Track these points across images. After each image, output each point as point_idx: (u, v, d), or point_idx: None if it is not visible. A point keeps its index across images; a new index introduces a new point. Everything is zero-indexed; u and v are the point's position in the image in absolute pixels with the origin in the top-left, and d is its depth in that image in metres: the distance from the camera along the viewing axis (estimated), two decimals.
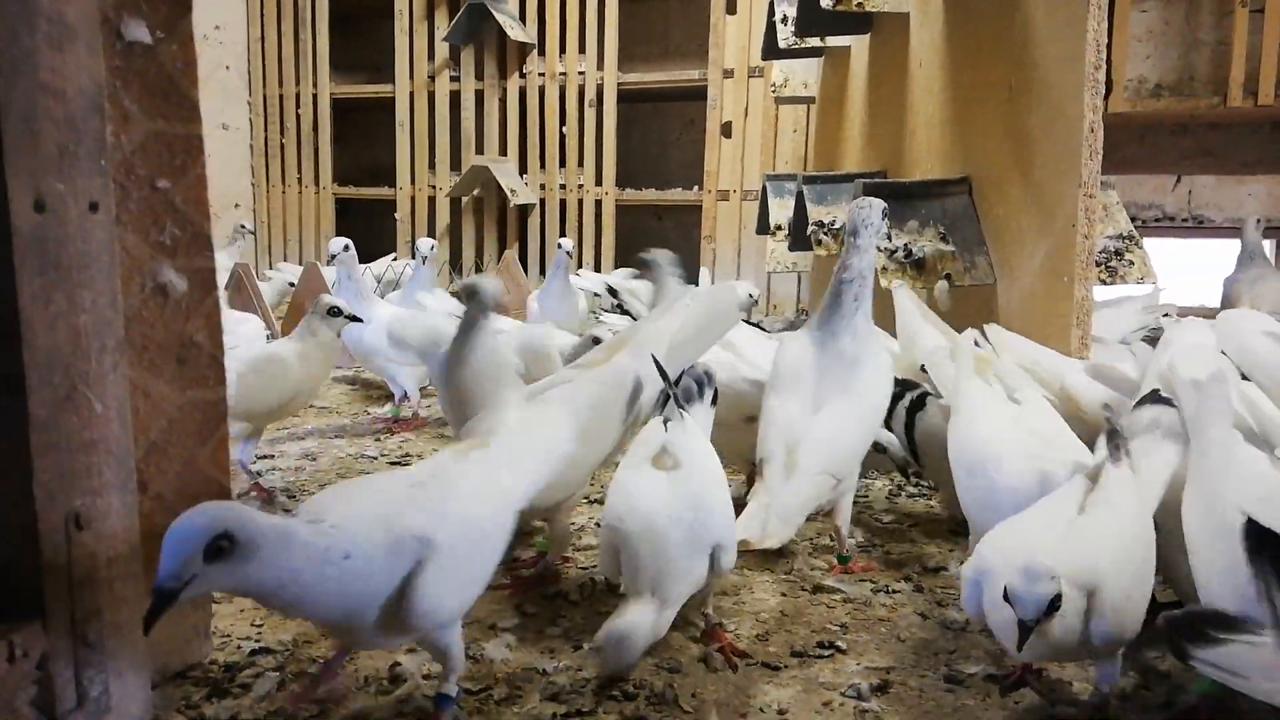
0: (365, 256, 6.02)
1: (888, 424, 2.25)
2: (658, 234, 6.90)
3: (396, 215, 6.70)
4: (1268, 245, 5.61)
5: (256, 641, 1.52)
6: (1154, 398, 1.66)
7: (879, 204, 1.92)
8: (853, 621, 1.66)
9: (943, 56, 3.19)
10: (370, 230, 7.09)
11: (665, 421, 1.56)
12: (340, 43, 7.00)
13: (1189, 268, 5.80)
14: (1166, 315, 3.48)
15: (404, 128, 6.72)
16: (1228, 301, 4.56)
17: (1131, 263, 2.75)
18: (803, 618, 1.68)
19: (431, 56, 6.65)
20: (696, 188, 6.24)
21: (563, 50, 6.32)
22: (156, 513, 1.38)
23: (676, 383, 1.65)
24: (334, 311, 2.46)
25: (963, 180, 3.01)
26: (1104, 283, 2.72)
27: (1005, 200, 2.76)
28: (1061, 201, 2.41)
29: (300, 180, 7.11)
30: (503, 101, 6.51)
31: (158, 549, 1.36)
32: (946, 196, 3.01)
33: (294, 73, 7.02)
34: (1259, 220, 4.80)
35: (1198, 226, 5.62)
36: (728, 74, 5.95)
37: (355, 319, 2.56)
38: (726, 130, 6.02)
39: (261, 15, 7.01)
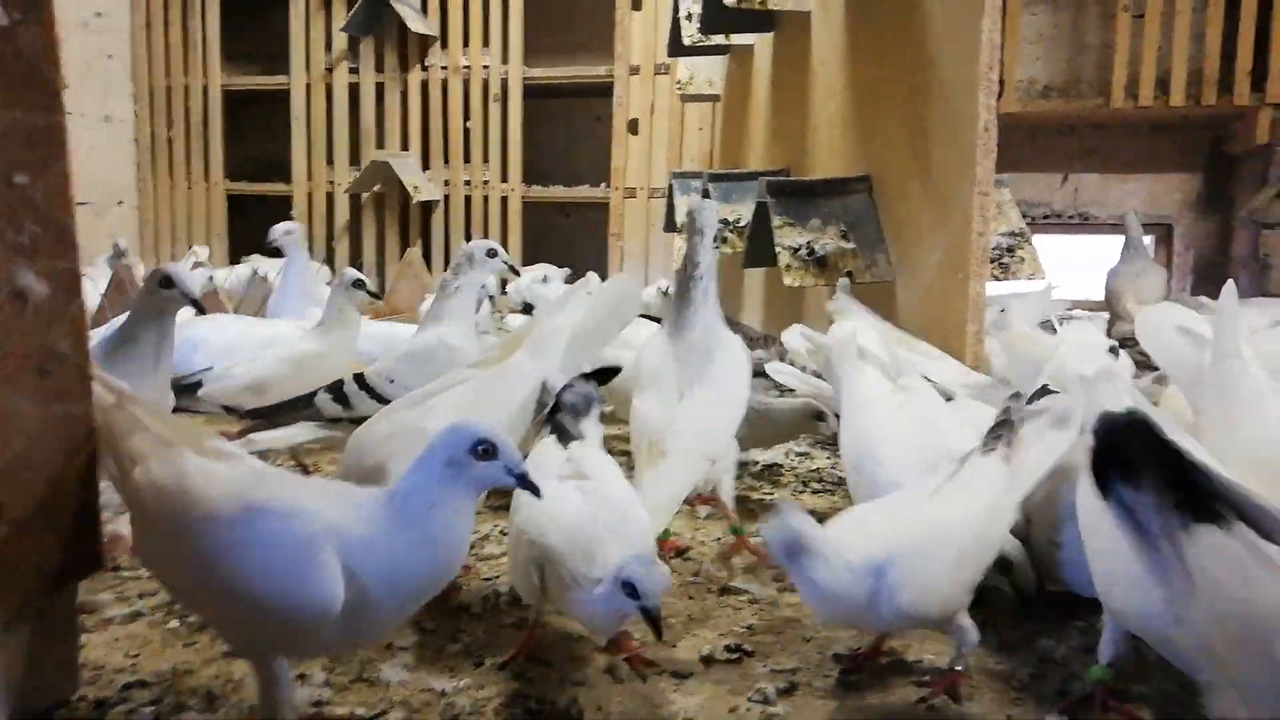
0: (261, 254, 5.81)
1: None
2: (565, 232, 6.84)
3: (293, 213, 6.46)
4: (1148, 239, 5.89)
5: (131, 674, 1.42)
6: (1044, 392, 1.71)
7: (712, 203, 2.09)
8: (760, 623, 1.66)
9: (843, 55, 3.23)
10: (267, 228, 6.82)
11: (562, 438, 1.53)
12: (232, 32, 6.71)
13: (1076, 263, 6.04)
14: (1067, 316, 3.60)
15: (300, 121, 6.49)
16: (1112, 294, 4.75)
17: (1023, 259, 2.83)
18: (710, 621, 1.66)
19: (329, 47, 6.44)
20: (604, 185, 6.21)
21: (466, 43, 6.20)
22: (14, 539, 1.27)
23: (559, 403, 1.61)
24: (359, 284, 2.51)
25: (864, 178, 3.05)
26: (997, 279, 2.80)
27: (904, 198, 2.81)
28: (957, 199, 2.46)
29: (189, 176, 6.80)
30: (404, 95, 6.35)
31: (15, 579, 1.26)
32: (848, 194, 3.05)
33: (182, 63, 6.70)
34: (1137, 213, 5.01)
35: (1084, 223, 5.86)
36: (634, 70, 5.93)
37: (376, 295, 2.56)
38: (633, 127, 6.00)
39: (147, 2, 6.67)
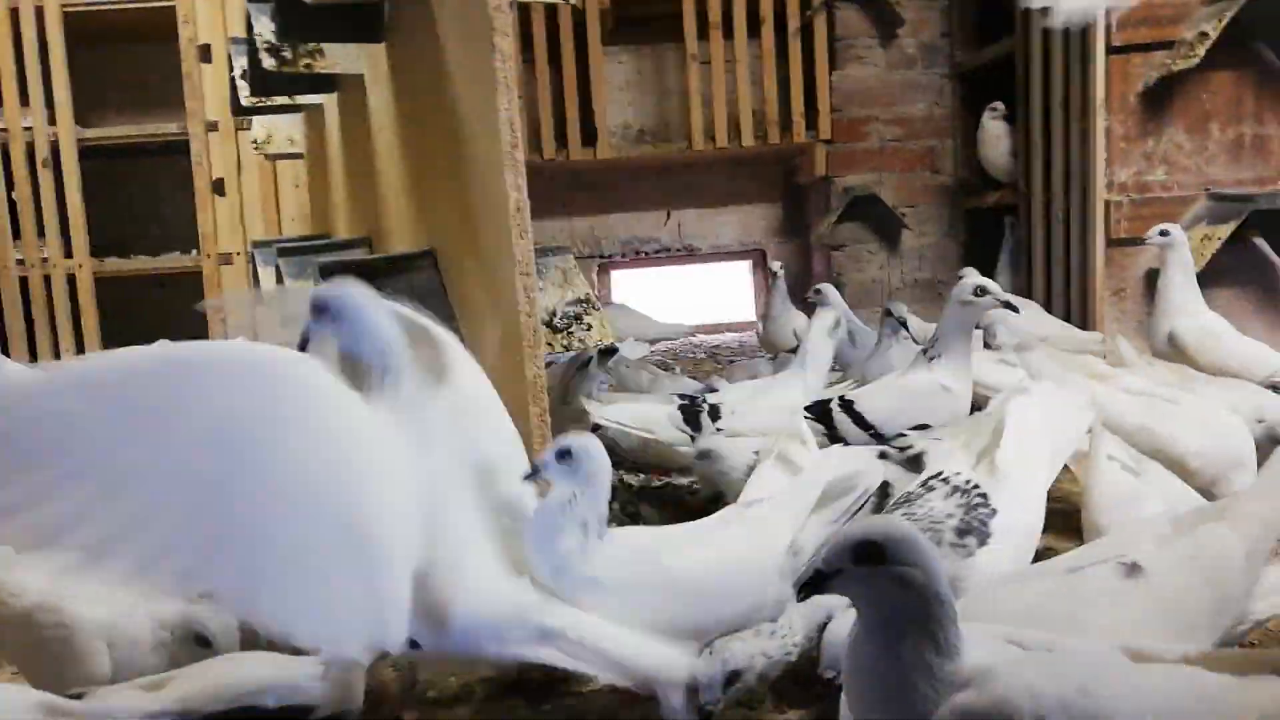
0: None
1: None
2: (158, 307, 6.07)
3: None
4: (746, 264, 6.40)
5: None
6: None
7: None
8: None
9: (396, 123, 3.07)
10: None
11: None
12: None
13: (687, 291, 6.44)
14: None
15: None
16: (767, 340, 4.75)
17: (589, 326, 2.82)
18: None
19: None
20: (196, 251, 5.60)
21: (1, 103, 5.30)
22: None
23: None
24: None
25: (428, 253, 2.89)
26: (566, 349, 2.77)
27: (463, 275, 2.70)
28: (506, 280, 2.37)
29: None
30: None
31: None
32: (413, 272, 2.88)
33: None
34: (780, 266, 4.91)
35: (690, 254, 6.22)
36: (211, 127, 5.39)
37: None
38: (219, 187, 5.46)
39: None
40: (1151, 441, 1.96)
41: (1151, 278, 3.59)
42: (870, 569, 1.02)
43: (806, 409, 2.39)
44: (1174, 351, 2.88)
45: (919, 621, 1.02)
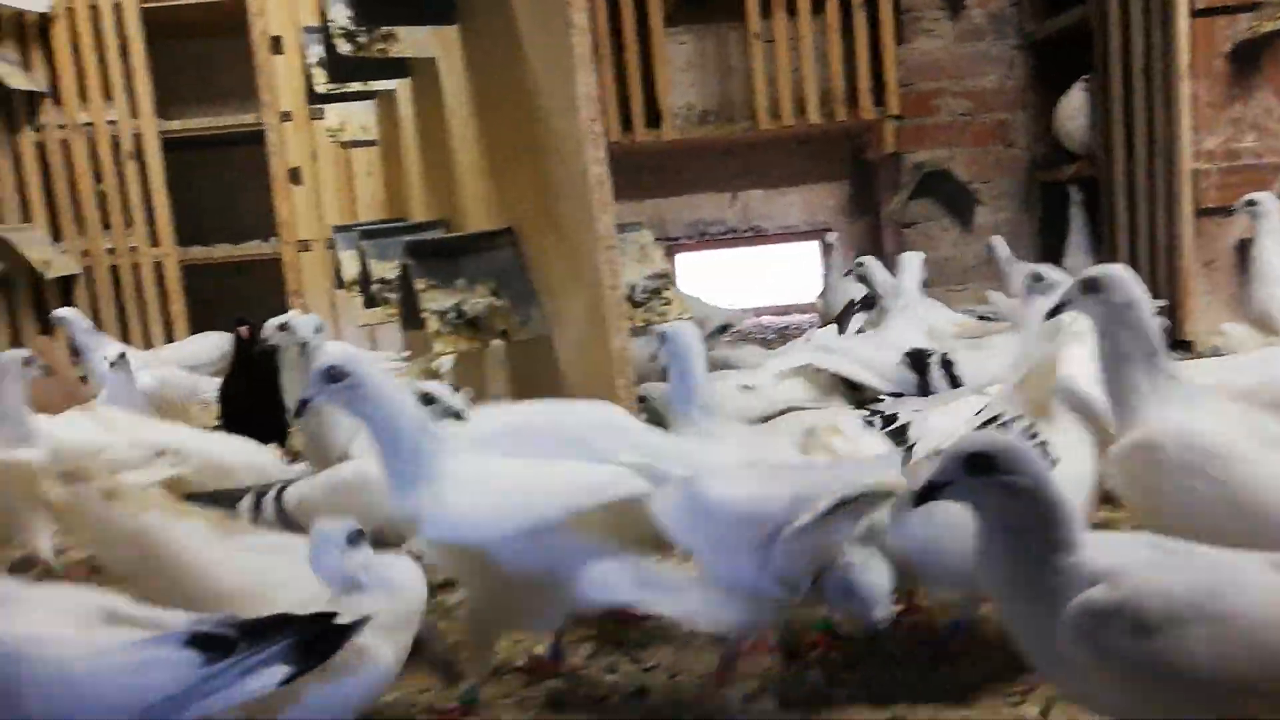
0: None
1: None
2: (243, 293, 6.25)
3: None
4: (814, 244, 6.34)
5: None
6: None
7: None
8: None
9: (470, 105, 3.11)
10: None
11: None
12: None
13: (761, 273, 6.43)
14: None
15: None
16: (827, 313, 4.81)
17: (668, 301, 2.83)
18: None
19: None
20: (275, 239, 5.75)
21: (85, 97, 5.50)
22: None
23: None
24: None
25: (507, 231, 2.94)
26: (645, 324, 2.78)
27: (543, 252, 2.73)
28: (588, 255, 2.40)
29: None
30: (17, 159, 5.51)
31: None
32: (494, 250, 2.92)
33: None
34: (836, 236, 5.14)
35: (757, 235, 6.19)
36: (285, 116, 5.53)
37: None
38: (295, 176, 5.60)
39: None
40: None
41: (1245, 248, 3.47)
42: (982, 479, 1.10)
43: (906, 354, 2.41)
44: (1274, 317, 2.79)
45: (1032, 522, 1.10)
